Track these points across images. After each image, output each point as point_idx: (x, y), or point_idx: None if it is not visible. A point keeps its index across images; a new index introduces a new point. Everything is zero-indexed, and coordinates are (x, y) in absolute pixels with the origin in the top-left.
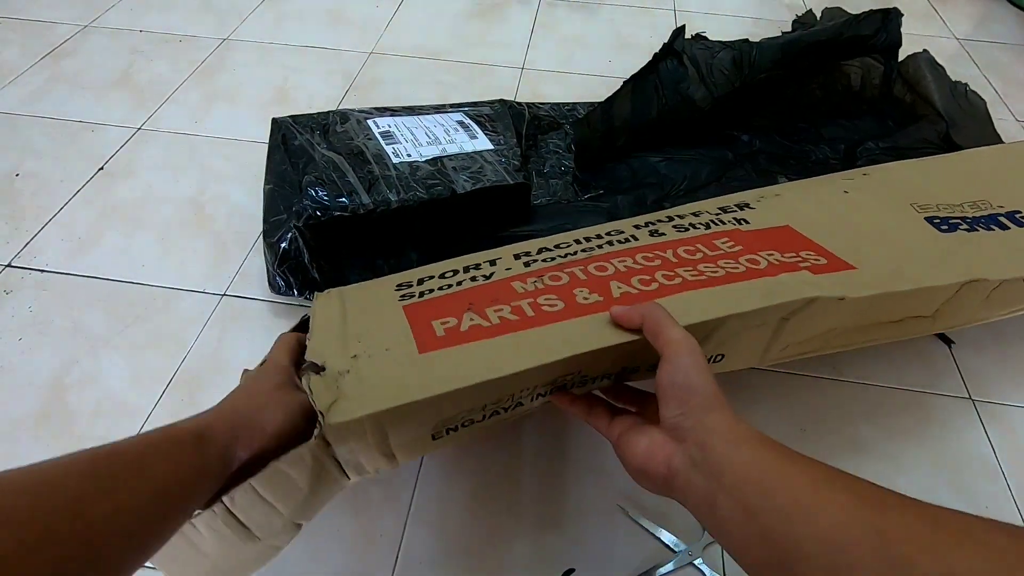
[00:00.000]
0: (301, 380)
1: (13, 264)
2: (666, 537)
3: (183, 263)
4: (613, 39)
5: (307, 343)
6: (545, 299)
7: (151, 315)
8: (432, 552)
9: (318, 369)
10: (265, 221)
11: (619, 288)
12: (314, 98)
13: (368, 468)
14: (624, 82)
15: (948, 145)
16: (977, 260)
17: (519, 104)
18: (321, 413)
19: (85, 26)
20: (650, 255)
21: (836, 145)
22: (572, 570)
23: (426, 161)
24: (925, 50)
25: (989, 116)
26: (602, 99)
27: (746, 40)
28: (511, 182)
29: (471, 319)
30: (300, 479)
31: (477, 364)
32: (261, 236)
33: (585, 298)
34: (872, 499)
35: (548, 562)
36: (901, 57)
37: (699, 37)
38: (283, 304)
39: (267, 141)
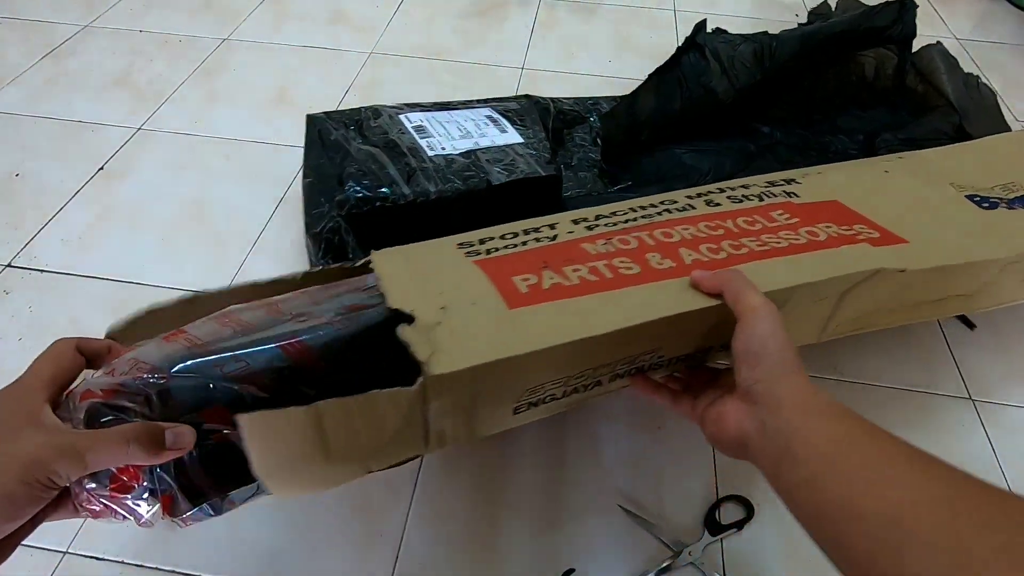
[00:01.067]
0: (399, 332)
1: (13, 264)
2: (666, 537)
3: (183, 263)
4: (613, 39)
5: (386, 294)
6: (620, 262)
7: None
8: (432, 552)
9: (409, 319)
10: (306, 214)
11: (689, 255)
12: (314, 98)
13: (448, 437)
14: (648, 76)
15: (961, 136)
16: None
17: (543, 99)
18: (423, 363)
19: (85, 26)
20: (712, 224)
21: (854, 136)
22: (572, 570)
23: (460, 154)
24: (939, 42)
25: (999, 108)
26: (605, 97)
27: (765, 32)
28: (543, 173)
29: (551, 277)
30: (389, 420)
31: (572, 322)
32: (252, 248)
33: (659, 263)
34: (942, 477)
35: (548, 562)
36: (914, 49)
37: (719, 31)
38: None
39: (267, 141)
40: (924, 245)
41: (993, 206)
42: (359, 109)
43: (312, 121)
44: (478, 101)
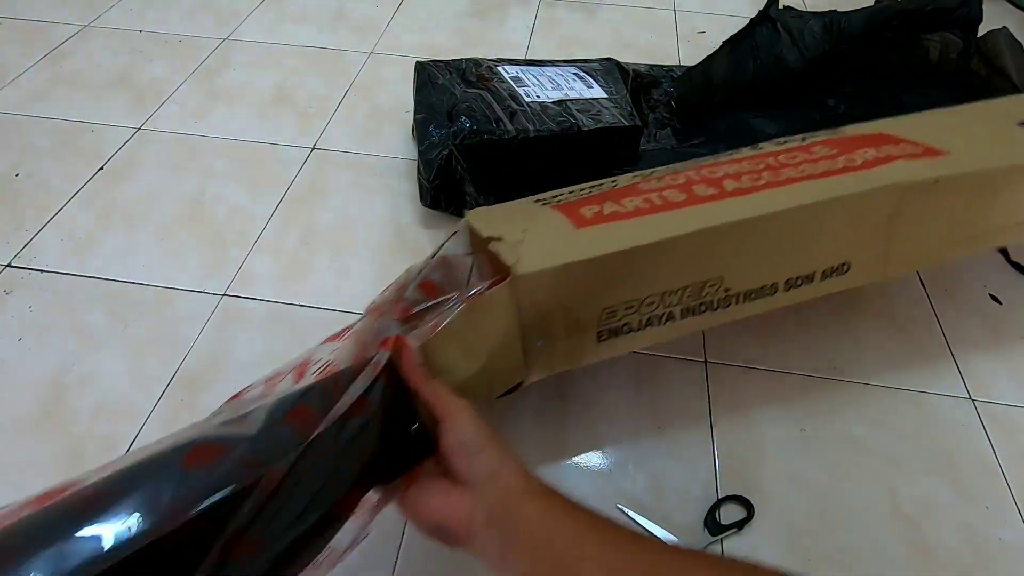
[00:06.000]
0: (489, 246)
1: (13, 264)
2: (666, 537)
3: (183, 263)
4: (612, 39)
5: (476, 229)
6: (669, 192)
7: (151, 315)
8: (432, 552)
9: (496, 239)
10: (420, 143)
11: (732, 184)
12: (314, 98)
13: (542, 360)
14: (723, 43)
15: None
16: None
17: (623, 63)
18: (511, 266)
19: (85, 26)
20: (754, 161)
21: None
22: None
23: (553, 102)
24: (1004, 27)
25: None
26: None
27: (835, 10)
28: (626, 123)
29: (610, 207)
30: (491, 328)
31: (629, 234)
32: (252, 248)
33: (703, 191)
34: (628, 549)
35: None
36: (979, 33)
37: (789, 8)
38: (284, 304)
39: (267, 141)
40: (965, 156)
41: None
42: (460, 60)
43: (421, 67)
44: (563, 61)
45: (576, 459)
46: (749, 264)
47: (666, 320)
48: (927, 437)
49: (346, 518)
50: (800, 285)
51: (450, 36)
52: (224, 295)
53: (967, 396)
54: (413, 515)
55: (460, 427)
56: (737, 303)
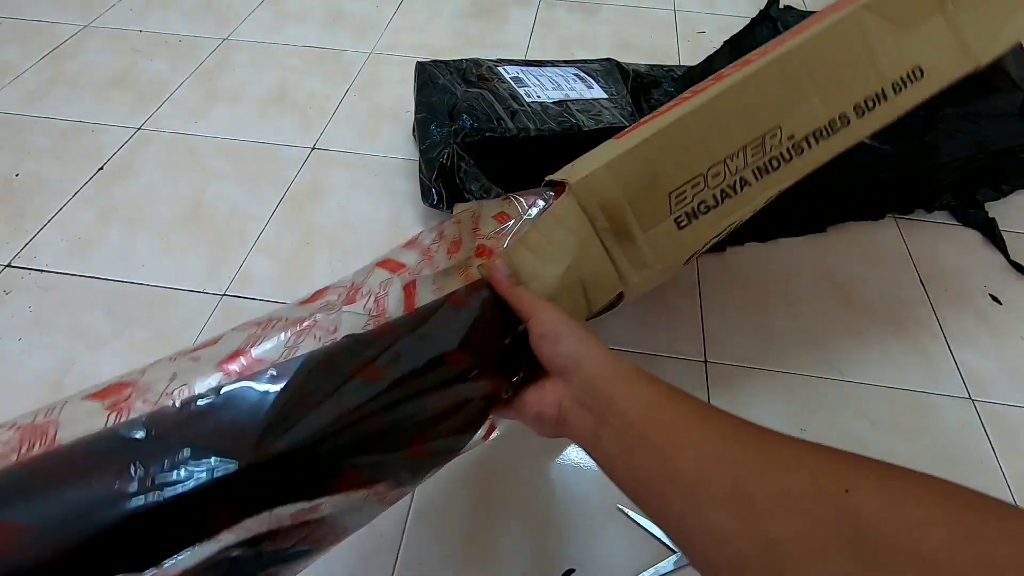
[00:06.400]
0: (547, 178)
1: (13, 264)
2: (666, 537)
3: (183, 263)
4: (613, 39)
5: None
6: (682, 101)
7: (151, 315)
8: (432, 552)
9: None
10: (421, 143)
11: (758, 56)
12: (314, 98)
13: (631, 267)
14: (723, 43)
15: (1023, 115)
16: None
17: (623, 63)
18: (567, 181)
19: (85, 26)
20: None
21: (915, 112)
22: (572, 570)
23: (553, 103)
24: None
25: None
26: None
27: None
28: (627, 124)
29: (640, 123)
30: (561, 235)
31: (667, 117)
32: (252, 248)
33: (732, 71)
34: (732, 435)
35: (548, 562)
36: None
37: (789, 8)
38: (284, 304)
39: (267, 140)
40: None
41: None
42: (461, 60)
43: (422, 67)
44: (563, 61)
45: (576, 459)
46: (801, 103)
47: (742, 187)
48: (927, 437)
49: (455, 370)
50: (873, 107)
51: (450, 36)
52: (224, 295)
53: (967, 396)
54: (517, 412)
55: (540, 320)
56: (810, 147)
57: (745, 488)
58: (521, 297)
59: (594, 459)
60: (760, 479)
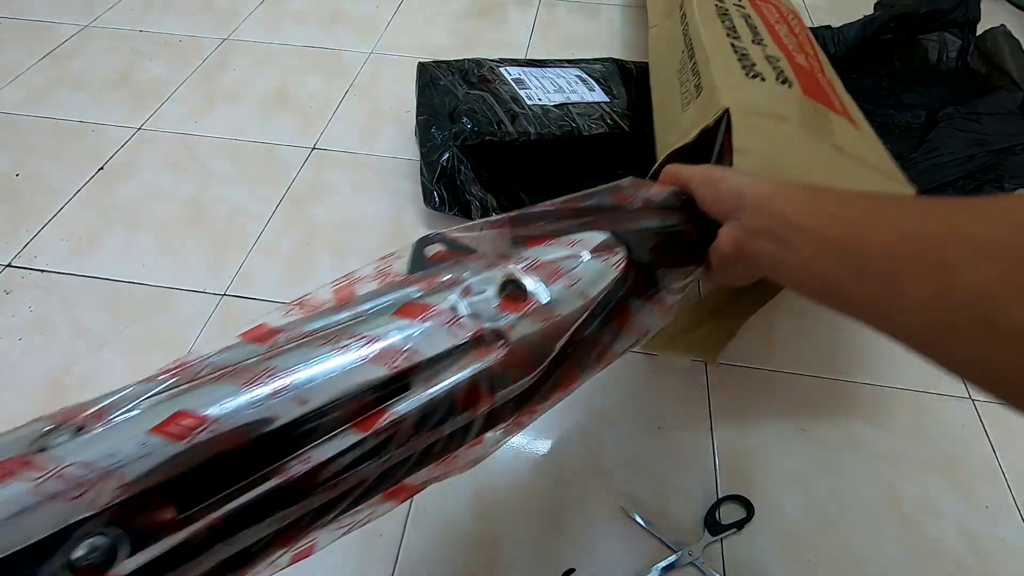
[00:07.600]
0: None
1: (13, 264)
2: (666, 537)
3: (183, 263)
4: (613, 39)
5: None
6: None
7: (151, 315)
8: (432, 552)
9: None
10: (422, 145)
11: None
12: (314, 98)
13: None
14: None
15: None
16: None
17: (627, 63)
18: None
19: (85, 26)
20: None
21: (917, 112)
22: (572, 570)
23: (554, 106)
24: (1003, 24)
25: None
26: None
27: (828, 26)
28: (627, 129)
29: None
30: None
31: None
32: (252, 248)
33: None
34: (915, 212)
35: (548, 562)
36: (978, 32)
37: None
38: (284, 305)
39: (267, 140)
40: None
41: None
42: (463, 60)
43: (424, 68)
44: (567, 62)
45: (576, 459)
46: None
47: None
48: (927, 437)
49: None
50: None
51: (450, 36)
52: (224, 295)
53: (967, 396)
54: (707, 276)
55: (696, 175)
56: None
57: (939, 257)
58: (678, 175)
59: (782, 282)
60: (948, 241)
